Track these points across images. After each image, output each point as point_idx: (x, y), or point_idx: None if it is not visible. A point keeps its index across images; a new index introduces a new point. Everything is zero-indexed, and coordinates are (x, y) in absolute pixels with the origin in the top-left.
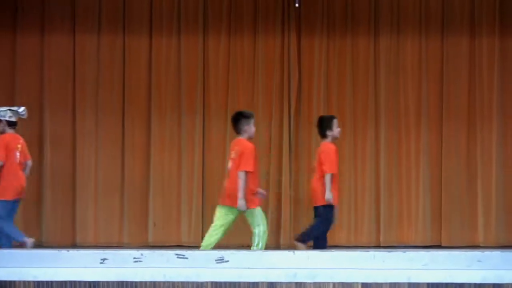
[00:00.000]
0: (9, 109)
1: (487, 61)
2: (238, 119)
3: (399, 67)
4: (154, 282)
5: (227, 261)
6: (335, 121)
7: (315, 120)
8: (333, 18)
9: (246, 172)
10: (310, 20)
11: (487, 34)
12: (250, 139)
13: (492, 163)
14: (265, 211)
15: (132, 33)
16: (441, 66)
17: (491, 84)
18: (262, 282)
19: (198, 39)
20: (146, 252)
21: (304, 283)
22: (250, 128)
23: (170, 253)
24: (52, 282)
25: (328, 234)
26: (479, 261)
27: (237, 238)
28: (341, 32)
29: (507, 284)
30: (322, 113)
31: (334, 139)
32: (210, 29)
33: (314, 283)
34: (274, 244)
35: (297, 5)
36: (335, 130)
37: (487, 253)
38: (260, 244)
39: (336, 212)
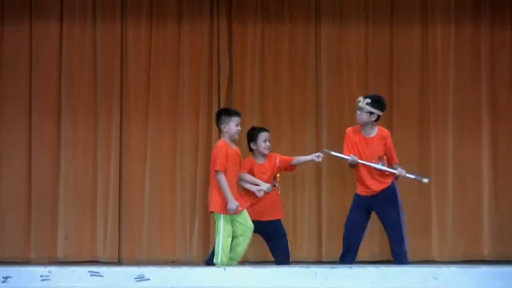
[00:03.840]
0: None
1: (441, 53)
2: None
3: (342, 58)
4: None
5: (148, 279)
6: (262, 135)
7: (249, 116)
8: (268, 2)
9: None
10: (242, 4)
11: (442, 21)
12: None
13: (447, 170)
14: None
15: (40, 18)
16: (390, 57)
17: (446, 78)
18: None
19: (116, 25)
20: (55, 269)
21: None
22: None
23: (83, 270)
24: None
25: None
26: (435, 278)
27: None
28: (277, 18)
29: None
30: (256, 109)
31: (260, 148)
32: (129, 14)
33: None
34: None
35: None
36: (261, 143)
37: (444, 269)
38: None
39: None
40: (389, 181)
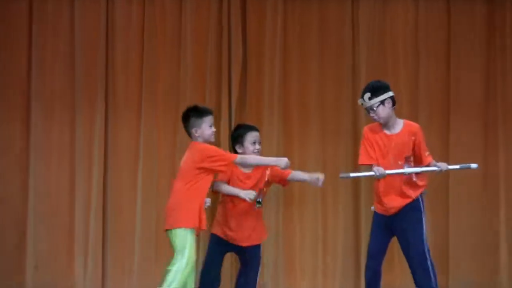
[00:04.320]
0: None
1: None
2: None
3: (387, 41)
4: None
5: None
6: (250, 135)
7: (268, 114)
8: None
9: None
10: None
11: None
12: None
13: None
14: None
15: None
16: (447, 39)
17: None
18: None
19: (100, 0)
20: None
21: None
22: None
23: None
24: None
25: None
26: None
27: None
28: None
29: None
30: (275, 105)
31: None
32: None
33: None
34: None
35: None
36: (249, 146)
37: None
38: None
39: None
40: (415, 194)
